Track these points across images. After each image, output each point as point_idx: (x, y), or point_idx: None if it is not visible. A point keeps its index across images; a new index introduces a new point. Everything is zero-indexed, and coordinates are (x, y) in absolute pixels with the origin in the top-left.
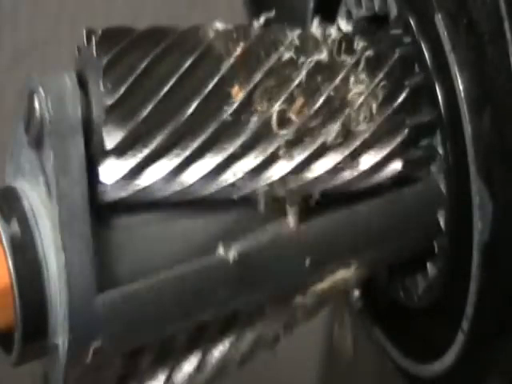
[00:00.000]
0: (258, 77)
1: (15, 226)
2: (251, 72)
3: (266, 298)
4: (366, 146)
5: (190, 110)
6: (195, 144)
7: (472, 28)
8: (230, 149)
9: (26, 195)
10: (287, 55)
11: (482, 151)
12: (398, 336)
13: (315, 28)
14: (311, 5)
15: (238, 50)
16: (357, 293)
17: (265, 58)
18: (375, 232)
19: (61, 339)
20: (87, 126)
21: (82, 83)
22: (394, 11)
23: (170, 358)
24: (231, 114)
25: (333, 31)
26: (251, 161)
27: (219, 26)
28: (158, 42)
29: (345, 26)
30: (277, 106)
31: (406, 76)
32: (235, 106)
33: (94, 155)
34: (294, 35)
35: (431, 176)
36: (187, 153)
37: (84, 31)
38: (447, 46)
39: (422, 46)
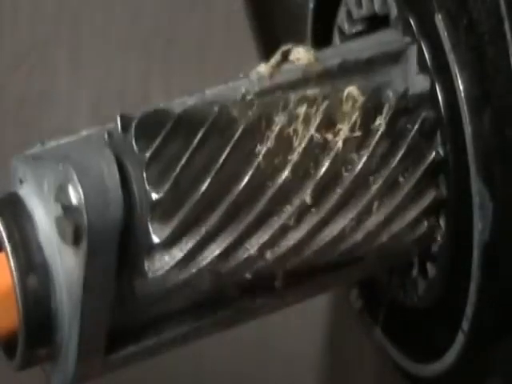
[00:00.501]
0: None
1: (19, 230)
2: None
3: None
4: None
5: (234, 195)
6: (241, 228)
7: (472, 28)
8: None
9: (30, 203)
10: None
11: (481, 151)
12: (397, 336)
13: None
14: (311, 5)
15: (273, 132)
16: (357, 293)
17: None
18: None
19: (68, 355)
20: (129, 221)
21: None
22: (394, 11)
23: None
24: (275, 193)
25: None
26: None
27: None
28: (195, 130)
29: (346, 27)
30: (318, 176)
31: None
32: (272, 191)
33: (137, 250)
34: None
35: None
36: (235, 236)
37: (118, 118)
38: (447, 46)
39: (422, 45)
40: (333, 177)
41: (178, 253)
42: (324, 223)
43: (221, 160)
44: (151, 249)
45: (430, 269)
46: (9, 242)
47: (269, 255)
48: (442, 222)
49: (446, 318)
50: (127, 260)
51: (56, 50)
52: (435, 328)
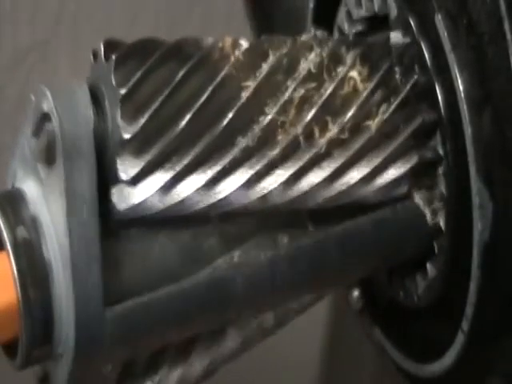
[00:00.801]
0: (275, 108)
1: (20, 231)
2: (267, 102)
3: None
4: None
5: (213, 133)
6: (217, 167)
7: (472, 28)
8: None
9: (32, 200)
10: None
11: (482, 151)
12: (398, 336)
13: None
14: (311, 5)
15: (257, 77)
16: (357, 293)
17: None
18: (370, 248)
19: (66, 352)
20: (101, 149)
21: (95, 97)
22: (393, 11)
23: (160, 365)
24: (260, 130)
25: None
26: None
27: (243, 43)
28: (176, 68)
29: (346, 27)
30: (302, 125)
31: (407, 78)
32: (257, 132)
33: (107, 176)
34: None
35: (435, 182)
36: (213, 172)
37: (102, 43)
38: (447, 46)
39: (422, 46)
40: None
41: (148, 188)
42: (312, 164)
43: (205, 95)
44: (120, 184)
45: (430, 269)
46: (10, 240)
47: (250, 193)
48: (442, 222)
49: (446, 318)
50: (102, 186)
51: (56, 50)
52: (435, 328)
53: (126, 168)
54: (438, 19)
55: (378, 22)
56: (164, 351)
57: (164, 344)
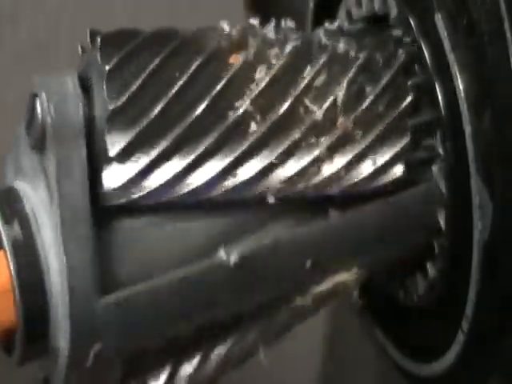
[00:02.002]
0: (262, 84)
1: (16, 228)
2: (255, 78)
3: (266, 299)
4: (370, 151)
5: (196, 114)
6: (200, 148)
7: (472, 28)
8: (236, 152)
9: (27, 196)
10: (289, 60)
11: (481, 151)
12: (397, 336)
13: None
14: (311, 5)
15: (244, 55)
16: (357, 293)
17: (269, 64)
18: (376, 234)
19: (62, 342)
20: (90, 132)
21: (85, 87)
22: (393, 11)
23: (171, 357)
24: (236, 118)
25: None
26: (257, 163)
27: (226, 27)
28: (162, 46)
29: (346, 26)
30: (282, 110)
31: (407, 77)
32: (241, 110)
33: (97, 160)
34: (296, 40)
35: (432, 177)
36: (192, 157)
37: (88, 32)
38: (447, 46)
39: (422, 46)
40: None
41: (133, 166)
42: (288, 153)
43: (188, 73)
44: (108, 160)
45: (430, 269)
46: (7, 240)
47: (230, 178)
48: (442, 222)
49: (446, 317)
50: (92, 171)
51: (56, 50)
52: (435, 328)
53: (114, 143)
54: (438, 19)
55: (377, 22)
56: (174, 344)
57: (171, 338)
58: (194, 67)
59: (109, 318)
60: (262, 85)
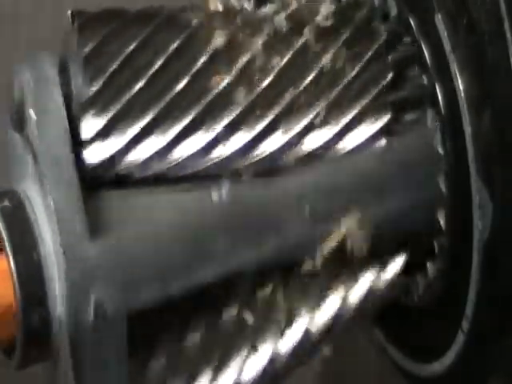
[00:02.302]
0: (241, 61)
1: (19, 233)
2: (235, 56)
3: (270, 254)
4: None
5: (177, 90)
6: (183, 122)
7: (472, 28)
8: (218, 127)
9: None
10: (270, 38)
11: (481, 151)
12: (397, 336)
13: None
14: None
15: (225, 33)
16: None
17: (248, 41)
18: (374, 178)
19: (59, 300)
20: (70, 113)
21: (66, 69)
22: (393, 11)
23: (179, 324)
24: (216, 94)
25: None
26: (241, 137)
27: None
28: (145, 25)
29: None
30: (264, 85)
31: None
32: (220, 87)
33: (77, 140)
34: (281, 16)
35: (425, 127)
36: (175, 131)
37: (69, 13)
38: (447, 46)
39: (422, 45)
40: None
41: (111, 146)
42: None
43: (165, 56)
44: (86, 143)
45: (430, 269)
46: (10, 246)
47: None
48: (442, 222)
49: (446, 317)
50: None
51: (56, 50)
52: (435, 328)
53: (90, 125)
54: (438, 19)
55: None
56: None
57: (175, 298)
58: (175, 45)
59: (103, 262)
60: (244, 60)
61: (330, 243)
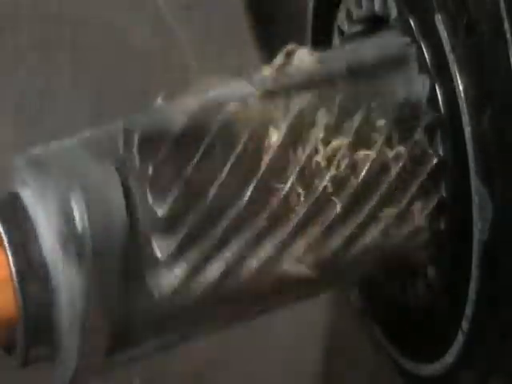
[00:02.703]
0: (292, 177)
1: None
2: (284, 171)
3: None
4: None
5: (236, 210)
6: (244, 236)
7: (472, 28)
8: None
9: (32, 207)
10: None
11: (481, 151)
12: (397, 336)
13: None
14: (311, 5)
15: (273, 149)
16: (356, 292)
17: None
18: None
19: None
20: (133, 238)
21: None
22: (393, 12)
23: None
24: (281, 199)
25: None
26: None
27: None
28: (196, 145)
29: (346, 27)
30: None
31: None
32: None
33: (142, 265)
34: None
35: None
36: (237, 248)
37: (122, 133)
38: (447, 46)
39: (422, 46)
40: (336, 186)
41: (183, 269)
42: (327, 233)
43: (224, 173)
44: (156, 266)
45: (430, 269)
46: (9, 243)
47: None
48: (442, 223)
49: (446, 318)
50: (133, 277)
51: (56, 50)
52: (435, 328)
53: (162, 247)
54: (438, 19)
55: (377, 23)
56: None
57: None
58: (228, 166)
59: None
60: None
61: None
